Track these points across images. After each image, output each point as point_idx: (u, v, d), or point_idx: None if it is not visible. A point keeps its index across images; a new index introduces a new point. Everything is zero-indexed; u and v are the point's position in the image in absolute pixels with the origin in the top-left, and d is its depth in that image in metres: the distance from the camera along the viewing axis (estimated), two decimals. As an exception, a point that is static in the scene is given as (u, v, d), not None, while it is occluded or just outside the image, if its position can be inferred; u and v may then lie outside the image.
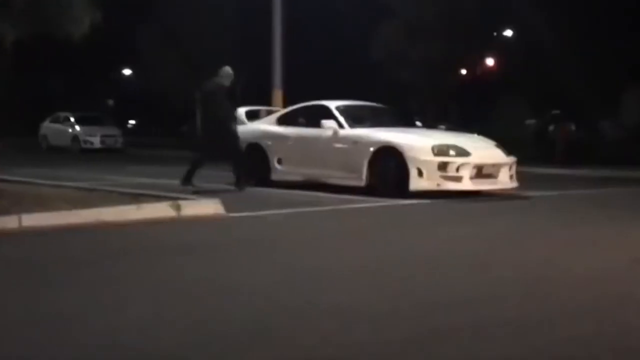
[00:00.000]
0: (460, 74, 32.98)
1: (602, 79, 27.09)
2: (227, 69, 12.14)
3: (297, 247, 6.61)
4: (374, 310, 4.28)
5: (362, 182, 11.27)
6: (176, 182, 11.62)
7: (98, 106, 41.96)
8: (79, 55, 36.69)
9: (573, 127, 24.60)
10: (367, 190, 11.06)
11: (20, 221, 7.19)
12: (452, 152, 10.86)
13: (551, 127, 24.08)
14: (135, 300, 4.49)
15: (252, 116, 13.83)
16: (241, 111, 13.73)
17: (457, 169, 10.76)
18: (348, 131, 11.81)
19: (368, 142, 11.34)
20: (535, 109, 30.27)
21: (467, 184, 10.82)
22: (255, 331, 3.84)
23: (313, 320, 4.08)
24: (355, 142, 11.53)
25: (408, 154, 10.78)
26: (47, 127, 32.48)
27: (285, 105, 15.47)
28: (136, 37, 35.18)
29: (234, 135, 11.98)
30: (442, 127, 22.84)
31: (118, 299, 4.51)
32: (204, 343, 3.65)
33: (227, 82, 12.07)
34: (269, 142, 12.71)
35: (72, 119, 31.63)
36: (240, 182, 11.72)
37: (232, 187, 11.70)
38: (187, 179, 11.62)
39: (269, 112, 14.20)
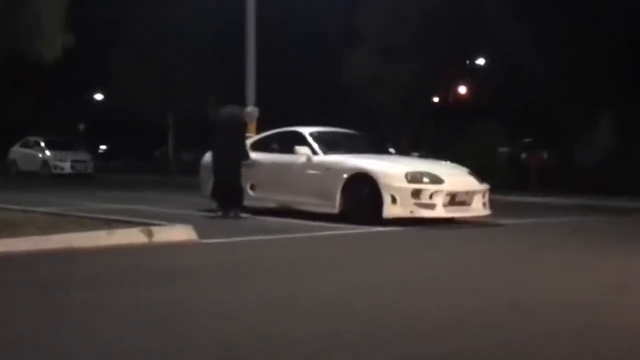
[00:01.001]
0: (432, 101, 33.28)
1: (576, 105, 27.42)
2: (256, 110, 13.03)
3: (270, 275, 6.60)
4: (349, 338, 4.28)
5: (335, 209, 11.29)
6: (145, 207, 11.56)
7: (69, 130, 41.71)
8: (49, 78, 36.57)
9: (545, 155, 24.90)
10: (341, 217, 11.09)
11: (-12, 247, 7.11)
12: (425, 180, 10.93)
13: (523, 155, 24.33)
14: (103, 326, 4.45)
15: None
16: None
17: (431, 196, 10.83)
18: (322, 157, 11.86)
19: (342, 169, 11.38)
20: (509, 137, 30.57)
21: (440, 212, 10.89)
22: (222, 359, 3.82)
23: (285, 348, 4.07)
24: (328, 168, 11.57)
25: (382, 181, 10.84)
26: (17, 151, 32.20)
27: (258, 131, 15.49)
28: (109, 59, 35.10)
29: (240, 168, 12.04)
30: (416, 154, 23.00)
31: (85, 325, 4.47)
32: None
33: (249, 121, 12.64)
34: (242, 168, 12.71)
35: (42, 144, 31.42)
36: (231, 210, 11.76)
37: (216, 214, 11.74)
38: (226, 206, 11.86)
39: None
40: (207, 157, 13.24)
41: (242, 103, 17.82)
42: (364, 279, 6.48)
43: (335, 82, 32.24)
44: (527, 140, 28.29)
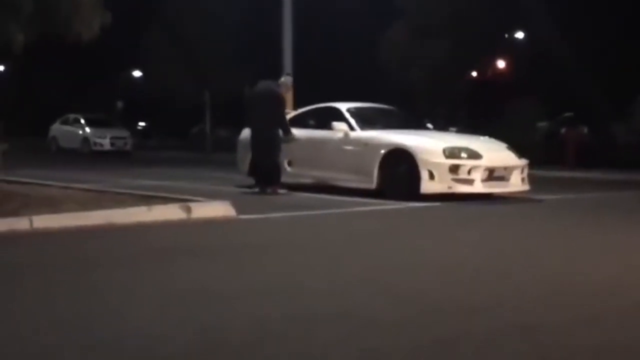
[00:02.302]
0: (470, 76, 32.91)
1: (616, 81, 26.96)
2: (290, 79, 12.67)
3: (305, 252, 6.59)
4: (381, 317, 4.24)
5: (372, 184, 11.25)
6: (183, 184, 11.62)
7: (107, 108, 42.08)
8: (88, 57, 36.85)
9: (585, 130, 24.52)
10: (378, 193, 11.05)
11: (31, 223, 7.20)
12: (463, 155, 10.84)
13: (563, 130, 23.99)
14: (142, 304, 4.49)
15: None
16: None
17: (469, 172, 10.73)
18: (359, 133, 11.80)
19: (379, 145, 11.32)
20: (547, 112, 30.17)
21: (478, 187, 10.79)
22: (259, 338, 3.81)
23: (318, 327, 4.05)
24: (365, 144, 11.52)
25: (419, 157, 10.76)
26: (57, 128, 32.57)
27: (295, 108, 15.46)
28: (145, 38, 35.23)
29: (277, 144, 11.90)
30: (453, 129, 22.79)
31: (125, 302, 4.51)
32: (209, 349, 3.63)
33: (285, 91, 12.43)
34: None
35: (82, 121, 31.75)
36: (269, 187, 11.72)
37: (253, 190, 11.81)
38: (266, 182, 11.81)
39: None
40: (244, 133, 13.25)
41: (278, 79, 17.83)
42: (400, 256, 6.45)
43: (372, 60, 32.05)
44: (567, 114, 27.86)
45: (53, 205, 8.03)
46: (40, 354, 3.53)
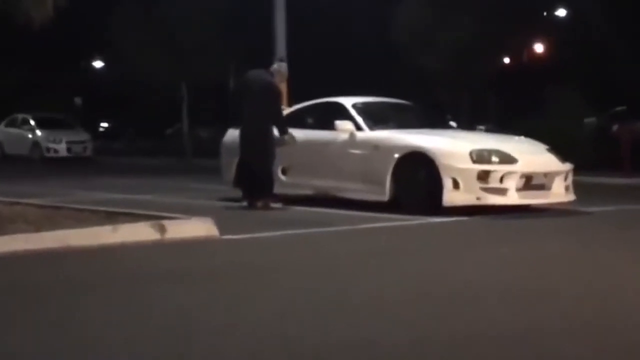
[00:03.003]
0: (502, 62, 32.98)
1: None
2: (284, 66, 12.19)
3: (304, 278, 6.62)
4: (384, 349, 4.28)
5: (384, 196, 11.28)
6: (155, 197, 11.65)
7: (63, 106, 42.12)
8: (40, 44, 36.93)
9: (641, 126, 24.56)
10: (392, 206, 11.08)
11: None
12: (494, 159, 10.88)
13: (615, 127, 24.04)
14: (108, 340, 4.52)
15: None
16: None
17: (501, 179, 10.77)
18: (367, 134, 11.84)
19: (392, 147, 11.36)
20: (595, 105, 30.23)
21: (513, 197, 10.82)
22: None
23: (322, 357, 4.09)
24: (376, 147, 11.55)
25: (441, 162, 10.80)
26: (2, 131, 32.60)
27: (290, 103, 15.50)
28: (109, 21, 35.27)
29: (271, 147, 11.86)
30: (482, 127, 22.88)
31: (87, 338, 4.54)
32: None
33: (279, 80, 12.18)
34: (272, 148, 12.74)
35: (32, 122, 31.78)
36: (259, 200, 11.69)
37: (241, 204, 11.85)
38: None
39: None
40: (230, 135, 13.29)
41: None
42: (417, 281, 6.48)
43: (382, 43, 32.10)
44: (619, 108, 27.90)
45: (0, 226, 8.05)
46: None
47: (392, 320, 5.09)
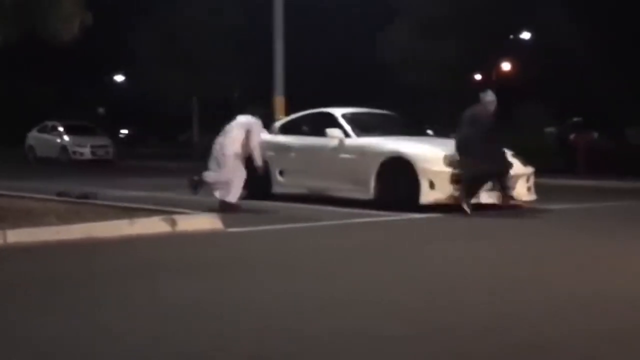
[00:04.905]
0: (475, 79, 33.00)
1: (629, 83, 27.05)
2: (490, 94, 11.23)
3: (299, 267, 6.62)
4: (380, 335, 4.28)
5: (369, 195, 11.29)
6: (168, 194, 11.63)
7: (88, 115, 42.04)
8: (68, 60, 36.85)
9: (595, 135, 24.61)
10: (375, 204, 11.08)
11: (5, 237, 7.22)
12: (466, 163, 10.86)
13: (572, 136, 24.08)
14: (126, 324, 4.51)
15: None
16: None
17: (472, 181, 10.76)
18: (355, 140, 11.85)
19: (376, 153, 11.36)
20: (556, 116, 30.26)
21: (482, 197, 10.83)
22: (257, 358, 3.85)
23: (316, 345, 4.09)
24: (362, 152, 11.56)
25: (419, 165, 10.81)
26: (34, 137, 32.51)
27: (287, 113, 15.51)
28: (131, 40, 35.25)
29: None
30: (455, 136, 22.82)
31: (107, 322, 4.52)
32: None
33: (490, 108, 11.17)
34: (270, 153, 12.73)
35: (60, 129, 31.71)
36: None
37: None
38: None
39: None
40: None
41: (270, 86, 17.89)
42: (399, 270, 6.48)
43: (371, 60, 32.07)
44: (575, 119, 27.95)
45: (30, 219, 8.05)
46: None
47: (373, 305, 5.10)
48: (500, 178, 10.88)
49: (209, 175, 11.14)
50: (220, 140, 11.14)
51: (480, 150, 10.67)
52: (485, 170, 10.71)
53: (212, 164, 11.24)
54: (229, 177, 10.89)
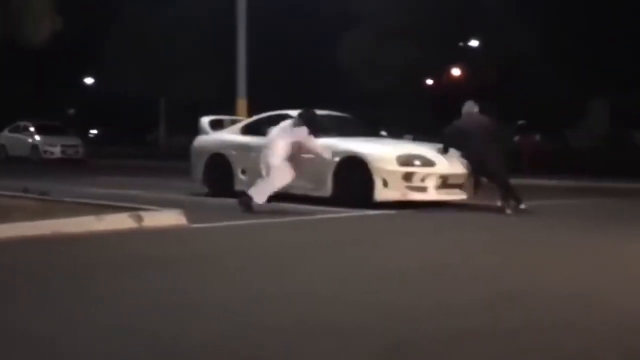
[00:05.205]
0: (427, 83, 33.23)
1: (571, 89, 27.44)
2: (466, 105, 11.50)
3: (260, 261, 6.60)
4: (338, 325, 4.29)
5: (327, 192, 11.30)
6: (135, 192, 11.52)
7: (59, 115, 41.51)
8: (39, 62, 36.38)
9: (538, 137, 24.91)
10: (333, 201, 11.10)
11: (-26, 233, 7.10)
12: (417, 162, 10.95)
13: (517, 138, 24.36)
14: (89, 314, 4.46)
15: (216, 125, 13.81)
16: (204, 120, 13.73)
17: (423, 179, 10.85)
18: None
19: (333, 152, 11.37)
20: (503, 119, 30.54)
21: (432, 195, 10.91)
22: (217, 348, 3.83)
23: (273, 336, 4.09)
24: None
25: (373, 165, 10.84)
26: (6, 136, 32.12)
27: (249, 115, 15.46)
28: (100, 43, 34.92)
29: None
30: (409, 136, 22.97)
31: (71, 313, 4.48)
32: None
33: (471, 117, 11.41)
34: (233, 152, 12.70)
35: (31, 129, 31.32)
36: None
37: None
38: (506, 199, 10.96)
39: (234, 122, 14.20)
40: (198, 141, 13.28)
41: (233, 88, 17.82)
42: (354, 263, 6.50)
43: (331, 65, 32.12)
44: (520, 122, 28.27)
45: (1, 215, 7.92)
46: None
47: (328, 296, 5.11)
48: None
49: (256, 189, 10.51)
50: (265, 151, 10.67)
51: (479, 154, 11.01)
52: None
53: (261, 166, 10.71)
54: (276, 186, 10.50)
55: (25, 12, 14.28)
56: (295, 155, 10.73)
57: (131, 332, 4.05)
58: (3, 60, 34.91)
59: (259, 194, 10.39)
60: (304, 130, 10.69)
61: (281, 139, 10.62)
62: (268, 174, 10.51)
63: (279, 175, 10.50)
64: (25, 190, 10.57)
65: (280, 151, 10.54)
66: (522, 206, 10.80)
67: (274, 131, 10.86)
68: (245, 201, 10.39)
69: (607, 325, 4.36)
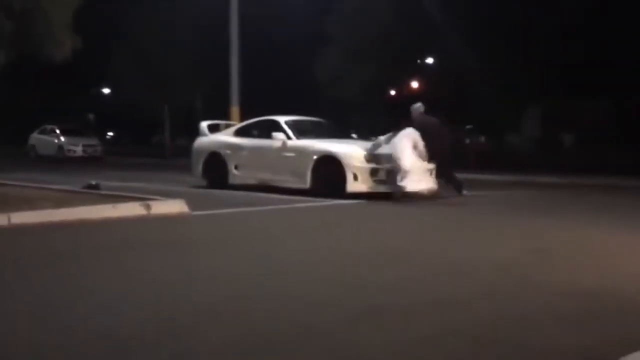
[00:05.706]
0: (390, 94, 33.27)
1: (509, 98, 27.59)
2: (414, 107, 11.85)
3: (254, 242, 6.60)
4: (308, 295, 4.29)
5: (306, 185, 11.31)
6: (144, 185, 11.42)
7: (80, 119, 41.15)
8: (63, 75, 36.01)
9: (482, 139, 25.08)
10: (311, 192, 11.10)
11: (9, 219, 7.03)
12: (382, 160, 10.97)
13: (467, 140, 24.52)
14: (107, 287, 4.43)
15: (213, 129, 13.77)
16: (204, 124, 13.68)
17: (387, 174, 10.88)
18: (295, 142, 11.84)
19: (311, 151, 11.38)
20: (452, 124, 30.67)
21: (396, 187, 10.91)
22: (212, 313, 3.82)
23: (260, 309, 4.08)
24: (300, 151, 11.56)
25: (345, 162, 10.86)
26: (35, 137, 31.88)
27: (241, 120, 15.42)
28: (112, 59, 34.74)
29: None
30: (374, 138, 23.03)
31: (92, 286, 4.45)
32: (162, 328, 3.61)
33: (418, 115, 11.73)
34: (228, 151, 12.65)
35: (57, 131, 31.08)
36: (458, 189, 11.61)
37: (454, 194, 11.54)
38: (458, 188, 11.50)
39: (228, 126, 14.16)
40: (198, 141, 13.23)
41: (227, 97, 17.76)
42: (331, 244, 6.51)
43: (309, 79, 32.12)
44: (468, 127, 28.47)
45: (29, 204, 7.84)
46: (17, 330, 3.47)
47: (310, 273, 5.11)
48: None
49: (399, 186, 10.71)
50: (393, 155, 10.82)
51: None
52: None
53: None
54: (411, 188, 10.70)
55: (48, 35, 14.10)
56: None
57: (134, 301, 4.02)
58: (31, 73, 34.57)
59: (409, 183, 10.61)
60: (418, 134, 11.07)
61: (406, 140, 10.93)
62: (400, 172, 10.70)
63: (410, 175, 10.76)
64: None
65: (405, 154, 10.83)
66: (465, 192, 11.18)
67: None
68: (396, 194, 10.69)
69: (541, 295, 4.40)
